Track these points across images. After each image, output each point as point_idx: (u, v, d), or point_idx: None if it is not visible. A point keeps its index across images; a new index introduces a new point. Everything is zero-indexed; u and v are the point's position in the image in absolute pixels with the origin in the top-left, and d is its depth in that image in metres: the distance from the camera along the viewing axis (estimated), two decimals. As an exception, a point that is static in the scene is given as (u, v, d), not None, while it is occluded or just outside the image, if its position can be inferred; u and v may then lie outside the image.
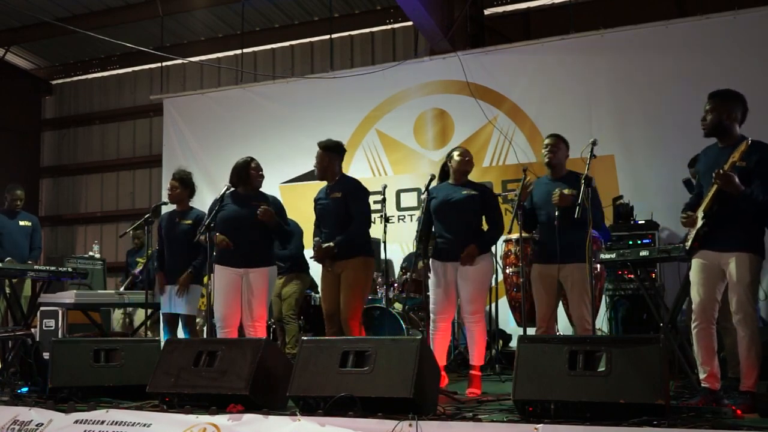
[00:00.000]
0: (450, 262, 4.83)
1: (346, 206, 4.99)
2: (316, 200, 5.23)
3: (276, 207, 5.24)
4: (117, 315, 8.04)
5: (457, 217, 4.83)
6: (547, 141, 4.82)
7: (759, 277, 3.80)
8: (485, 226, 5.00)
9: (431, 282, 4.91)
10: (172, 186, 5.75)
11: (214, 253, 5.00)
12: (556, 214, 4.55)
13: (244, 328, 5.12)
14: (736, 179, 3.62)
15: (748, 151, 3.67)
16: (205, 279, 5.70)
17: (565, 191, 4.56)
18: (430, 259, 4.94)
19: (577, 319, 4.60)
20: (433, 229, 5.02)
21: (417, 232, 5.24)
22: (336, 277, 4.98)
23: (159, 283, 5.60)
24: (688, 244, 3.89)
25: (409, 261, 7.24)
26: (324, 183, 5.24)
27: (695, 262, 3.89)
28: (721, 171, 3.62)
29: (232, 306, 5.05)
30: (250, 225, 5.03)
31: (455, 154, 5.01)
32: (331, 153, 5.14)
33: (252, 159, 5.27)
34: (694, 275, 3.89)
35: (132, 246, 8.29)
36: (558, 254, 4.53)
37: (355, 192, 5.07)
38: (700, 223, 3.80)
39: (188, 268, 5.44)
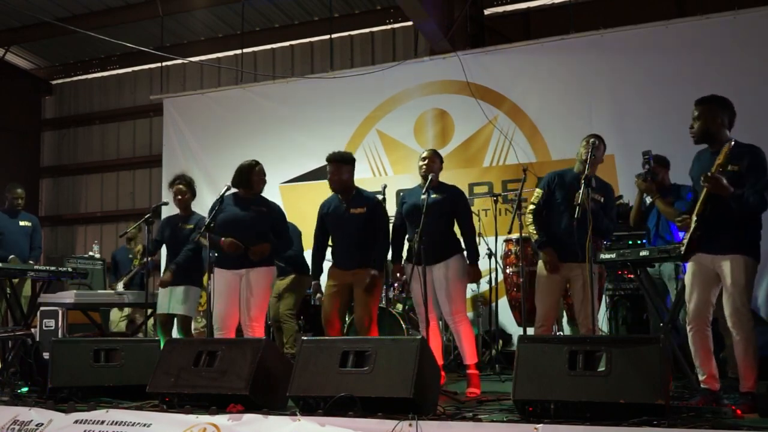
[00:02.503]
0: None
1: (372, 222, 5.00)
2: (327, 213, 5.15)
3: (277, 214, 5.26)
4: (115, 316, 7.99)
5: (426, 221, 4.81)
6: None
7: (753, 280, 3.82)
8: (457, 228, 5.02)
9: (412, 285, 4.91)
10: (182, 191, 5.72)
11: (215, 255, 4.98)
12: (576, 215, 4.36)
13: (242, 328, 5.12)
14: (724, 181, 3.66)
15: (737, 155, 3.71)
16: (205, 280, 5.71)
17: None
18: (406, 263, 4.97)
19: (584, 318, 4.57)
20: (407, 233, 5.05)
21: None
22: (344, 286, 4.99)
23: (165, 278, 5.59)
24: (683, 247, 3.92)
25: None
26: (327, 183, 5.22)
27: (690, 266, 3.93)
28: (708, 174, 3.65)
29: (231, 308, 5.06)
30: (249, 228, 5.03)
31: (419, 157, 5.05)
32: (348, 165, 5.09)
33: (257, 163, 5.24)
34: (688, 278, 3.92)
35: (126, 246, 8.24)
36: (575, 254, 4.43)
37: (380, 210, 5.09)
38: (693, 226, 3.82)
39: (188, 274, 5.46)
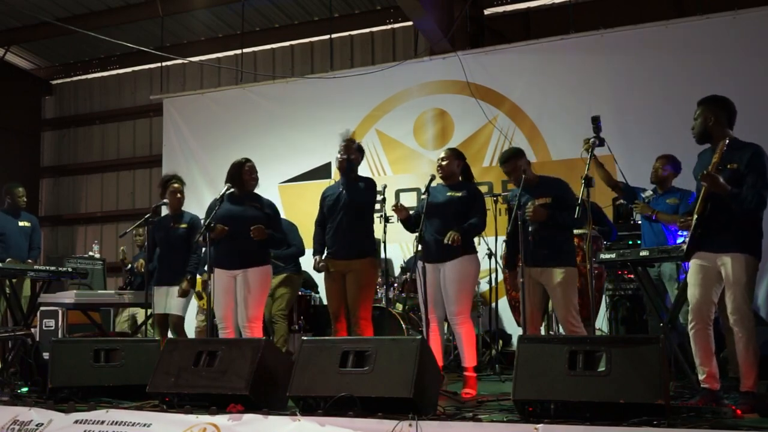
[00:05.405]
0: (433, 263, 4.83)
1: (363, 204, 5.09)
2: (326, 197, 5.22)
3: (271, 210, 5.26)
4: (121, 319, 7.99)
5: (440, 218, 4.82)
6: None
7: (755, 278, 3.82)
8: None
9: (419, 283, 4.91)
10: (179, 190, 5.72)
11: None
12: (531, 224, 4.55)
13: (240, 328, 5.11)
14: (721, 179, 3.67)
15: (736, 152, 3.74)
16: (204, 278, 5.70)
17: (538, 202, 4.55)
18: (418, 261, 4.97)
19: (562, 321, 4.60)
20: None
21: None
22: (341, 277, 4.99)
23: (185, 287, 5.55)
24: (685, 246, 3.93)
25: (409, 262, 7.24)
26: (327, 182, 5.24)
27: (693, 264, 3.92)
28: (705, 172, 3.67)
29: (226, 308, 5.07)
30: (244, 222, 5.03)
31: (438, 158, 5.08)
32: (358, 153, 5.23)
33: (247, 161, 5.25)
34: (691, 276, 3.92)
35: (136, 246, 8.26)
36: (540, 258, 4.54)
37: (368, 192, 5.15)
38: (693, 225, 3.83)
39: (185, 274, 5.44)
